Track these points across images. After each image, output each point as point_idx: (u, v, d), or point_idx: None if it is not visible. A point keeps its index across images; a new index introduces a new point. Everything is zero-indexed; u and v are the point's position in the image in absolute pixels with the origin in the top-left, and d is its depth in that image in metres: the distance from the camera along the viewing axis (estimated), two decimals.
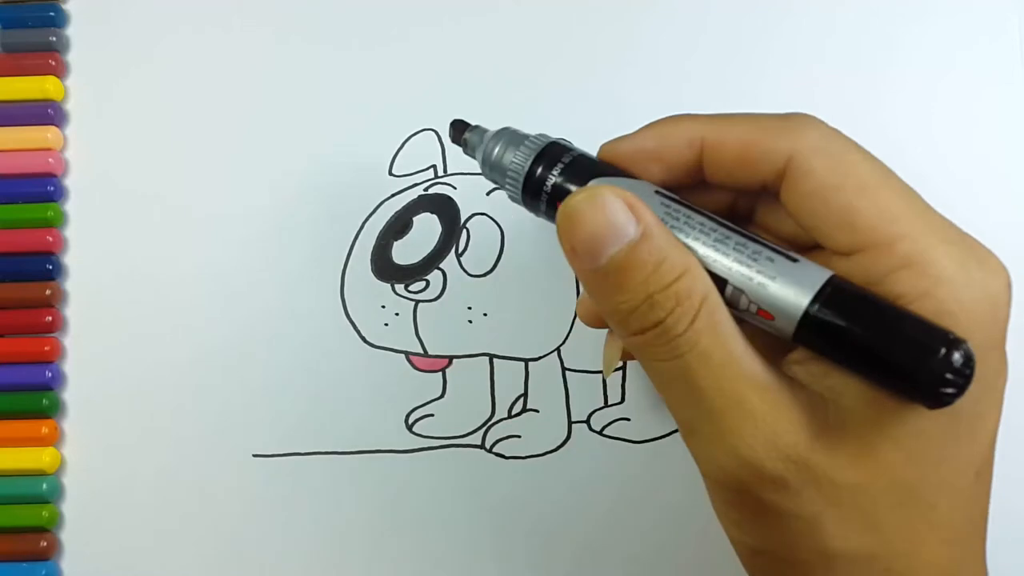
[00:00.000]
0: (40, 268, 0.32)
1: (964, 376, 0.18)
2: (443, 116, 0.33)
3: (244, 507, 0.31)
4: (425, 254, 0.32)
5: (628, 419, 0.31)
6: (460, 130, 0.26)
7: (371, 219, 0.32)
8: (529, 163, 0.24)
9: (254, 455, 0.32)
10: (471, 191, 0.32)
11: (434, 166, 0.33)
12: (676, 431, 0.31)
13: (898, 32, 0.33)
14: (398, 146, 0.33)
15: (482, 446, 0.31)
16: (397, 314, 0.32)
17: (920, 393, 0.19)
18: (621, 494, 0.31)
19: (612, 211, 0.21)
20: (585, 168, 0.23)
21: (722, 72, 0.33)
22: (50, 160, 0.33)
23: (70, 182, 0.33)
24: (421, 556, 0.31)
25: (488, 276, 0.32)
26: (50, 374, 0.32)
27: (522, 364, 0.32)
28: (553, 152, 0.24)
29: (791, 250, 0.21)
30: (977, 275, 0.20)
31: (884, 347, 0.19)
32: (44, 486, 0.31)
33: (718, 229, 0.21)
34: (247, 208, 0.33)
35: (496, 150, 0.25)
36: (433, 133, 0.33)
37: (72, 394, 0.32)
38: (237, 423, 0.32)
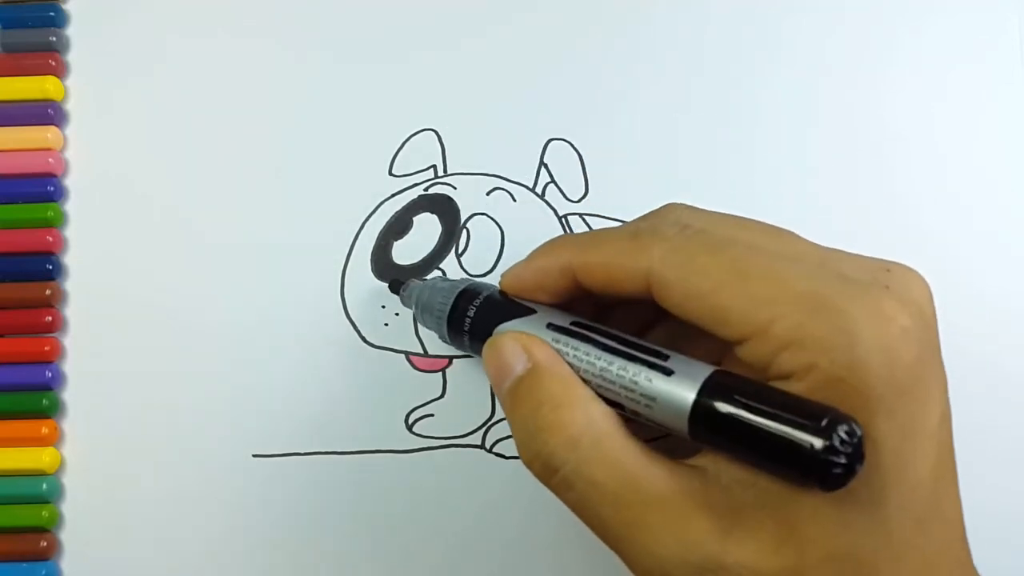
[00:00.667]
0: (40, 268, 0.32)
1: (851, 450, 0.18)
2: (443, 116, 0.33)
3: (244, 507, 0.31)
4: (425, 254, 0.32)
5: None
6: (396, 287, 0.30)
7: (371, 219, 0.32)
8: (449, 306, 0.27)
9: (254, 455, 0.32)
10: (471, 191, 0.32)
11: (434, 166, 0.33)
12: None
13: (898, 32, 0.33)
14: (398, 146, 0.33)
15: (482, 446, 0.31)
16: (397, 314, 0.32)
17: (810, 478, 0.19)
18: None
19: (509, 351, 0.24)
20: (491, 307, 0.26)
21: (722, 74, 0.33)
22: (50, 160, 0.33)
23: (70, 182, 0.33)
24: (421, 556, 0.31)
25: (488, 276, 0.32)
26: (50, 374, 0.32)
27: None
28: (467, 295, 0.27)
29: (669, 358, 0.22)
30: (863, 330, 0.19)
31: (766, 438, 0.19)
32: (44, 486, 0.31)
33: (602, 356, 0.23)
34: (247, 208, 0.33)
35: (425, 297, 0.28)
36: (433, 133, 0.33)
37: (72, 394, 0.32)
38: (237, 423, 0.32)
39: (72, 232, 0.33)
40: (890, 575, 0.20)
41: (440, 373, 0.32)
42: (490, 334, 0.25)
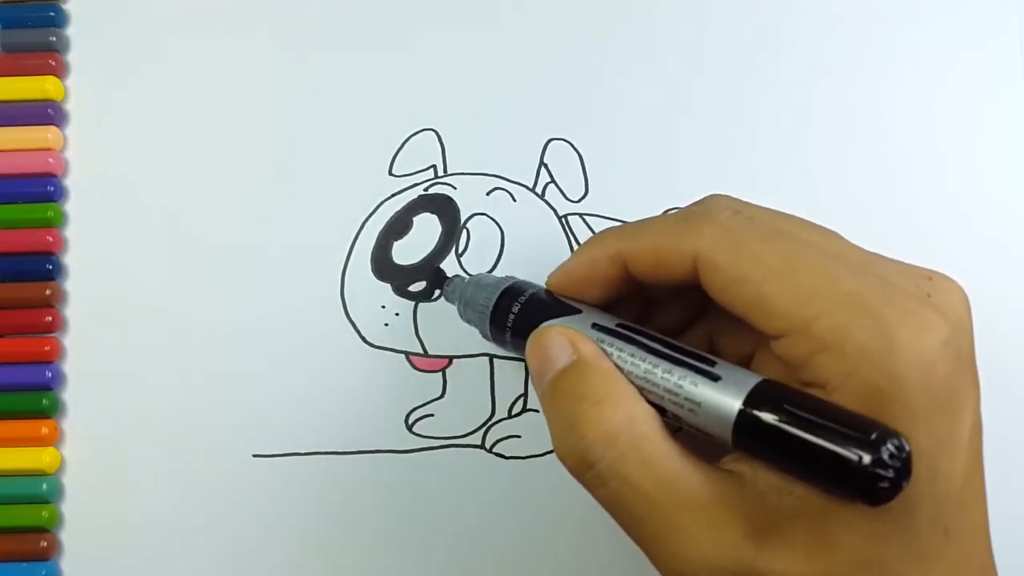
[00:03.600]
0: (40, 268, 0.32)
1: (898, 468, 0.18)
2: (443, 116, 0.33)
3: (244, 507, 0.31)
4: (425, 254, 0.32)
5: None
6: (439, 281, 0.31)
7: (371, 219, 0.32)
8: (493, 303, 0.27)
9: (254, 455, 0.32)
10: (471, 191, 0.32)
11: (434, 166, 0.33)
12: None
13: (898, 32, 0.33)
14: (398, 146, 0.33)
15: (482, 446, 0.31)
16: (397, 314, 0.32)
17: (858, 493, 0.18)
18: None
19: (554, 343, 0.24)
20: (536, 305, 0.26)
21: (722, 74, 0.33)
22: (50, 160, 0.33)
23: (70, 182, 0.33)
24: (421, 556, 0.31)
25: None
26: (50, 374, 0.32)
27: (522, 364, 0.32)
28: (512, 293, 0.27)
29: (716, 364, 0.21)
30: (903, 338, 0.19)
31: (813, 452, 0.19)
32: (44, 486, 0.31)
33: (647, 358, 0.22)
34: (247, 208, 0.33)
35: (468, 293, 0.28)
36: (433, 133, 0.33)
37: (72, 394, 0.32)
38: (237, 423, 0.32)
39: (72, 232, 0.33)
40: None
41: (440, 373, 0.32)
42: None
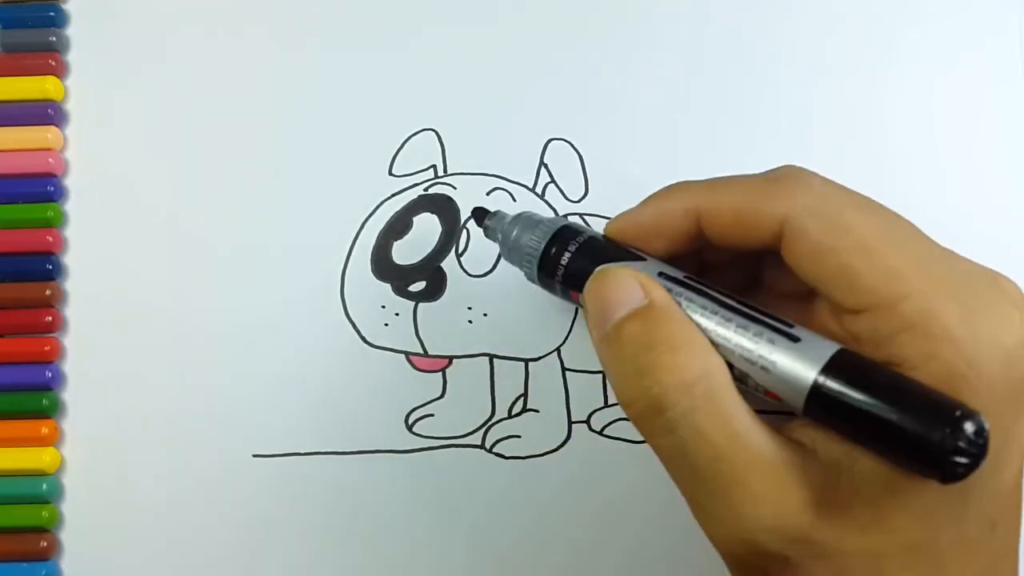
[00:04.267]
0: (40, 268, 0.32)
1: (977, 447, 0.18)
2: (443, 116, 0.33)
3: (244, 507, 0.31)
4: (425, 254, 0.32)
5: (628, 419, 0.31)
6: (481, 216, 0.28)
7: (371, 219, 0.32)
8: (543, 244, 0.25)
9: (254, 455, 0.32)
10: (471, 191, 0.32)
11: (434, 166, 0.33)
12: None
13: (898, 32, 0.33)
14: (398, 146, 0.33)
15: (482, 446, 0.31)
16: (397, 314, 0.32)
17: (932, 469, 0.18)
18: (621, 494, 0.31)
19: (623, 285, 0.22)
20: (594, 250, 0.25)
21: (722, 74, 0.33)
22: (50, 160, 0.33)
23: (70, 182, 0.33)
24: (421, 556, 0.31)
25: (488, 276, 0.32)
26: (50, 374, 0.32)
27: (522, 364, 0.32)
28: (566, 234, 0.25)
29: (794, 327, 0.21)
30: (985, 329, 0.19)
31: (891, 425, 0.19)
32: (44, 486, 0.31)
33: (720, 311, 0.22)
34: (247, 208, 0.33)
35: (514, 233, 0.26)
36: (433, 133, 0.33)
37: (72, 394, 0.32)
38: (237, 423, 0.32)
39: (72, 232, 0.33)
40: (957, 572, 0.20)
41: (440, 373, 0.32)
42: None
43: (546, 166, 0.32)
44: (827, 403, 0.20)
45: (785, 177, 0.22)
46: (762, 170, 0.32)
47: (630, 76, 0.33)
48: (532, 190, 0.32)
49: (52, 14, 0.33)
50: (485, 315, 0.32)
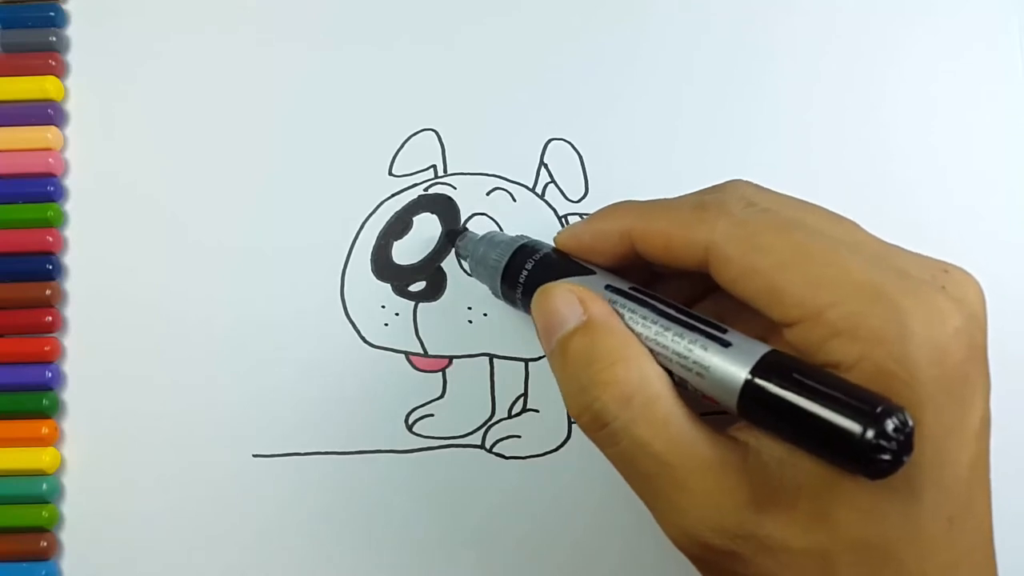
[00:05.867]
0: (40, 268, 0.32)
1: (899, 443, 0.18)
2: (443, 116, 0.33)
3: (244, 507, 0.31)
4: (425, 254, 0.32)
5: None
6: (453, 237, 0.31)
7: (371, 219, 0.32)
8: (504, 261, 0.27)
9: (254, 455, 0.32)
10: (471, 191, 0.32)
11: (434, 166, 0.33)
12: None
13: (898, 32, 0.33)
14: (398, 146, 0.33)
15: (482, 446, 0.31)
16: (397, 314, 0.32)
17: (857, 465, 0.19)
18: (620, 494, 0.31)
19: (564, 301, 0.24)
20: (548, 265, 0.26)
21: (722, 74, 0.33)
22: (50, 160, 0.33)
23: (70, 182, 0.33)
24: (421, 556, 0.31)
25: None
26: (50, 374, 0.32)
27: (522, 364, 0.32)
28: (524, 251, 0.27)
29: (727, 332, 0.22)
30: (917, 325, 0.19)
31: (817, 422, 0.19)
32: (44, 486, 0.31)
33: (659, 321, 0.23)
34: (247, 208, 0.33)
35: (480, 251, 0.28)
36: (433, 133, 0.33)
37: (72, 394, 0.32)
38: (237, 423, 0.32)
39: (72, 232, 0.33)
40: (915, 569, 0.20)
41: (440, 373, 0.32)
42: None
43: (546, 166, 0.32)
44: (758, 403, 0.20)
45: (709, 206, 0.23)
46: (762, 170, 0.32)
47: (630, 76, 0.33)
48: (532, 190, 0.32)
49: (52, 14, 0.33)
50: (485, 315, 0.32)
